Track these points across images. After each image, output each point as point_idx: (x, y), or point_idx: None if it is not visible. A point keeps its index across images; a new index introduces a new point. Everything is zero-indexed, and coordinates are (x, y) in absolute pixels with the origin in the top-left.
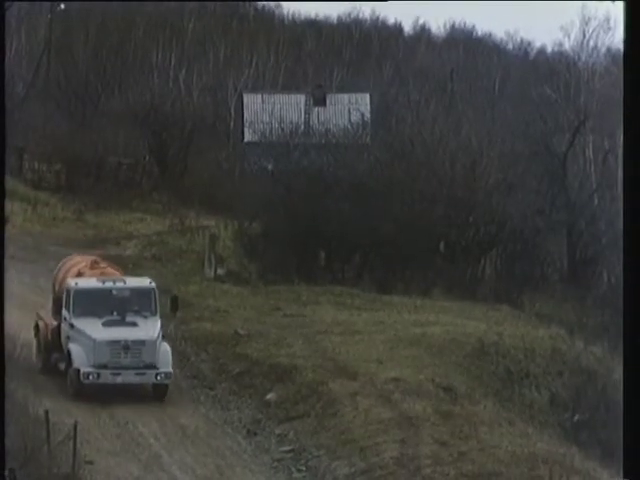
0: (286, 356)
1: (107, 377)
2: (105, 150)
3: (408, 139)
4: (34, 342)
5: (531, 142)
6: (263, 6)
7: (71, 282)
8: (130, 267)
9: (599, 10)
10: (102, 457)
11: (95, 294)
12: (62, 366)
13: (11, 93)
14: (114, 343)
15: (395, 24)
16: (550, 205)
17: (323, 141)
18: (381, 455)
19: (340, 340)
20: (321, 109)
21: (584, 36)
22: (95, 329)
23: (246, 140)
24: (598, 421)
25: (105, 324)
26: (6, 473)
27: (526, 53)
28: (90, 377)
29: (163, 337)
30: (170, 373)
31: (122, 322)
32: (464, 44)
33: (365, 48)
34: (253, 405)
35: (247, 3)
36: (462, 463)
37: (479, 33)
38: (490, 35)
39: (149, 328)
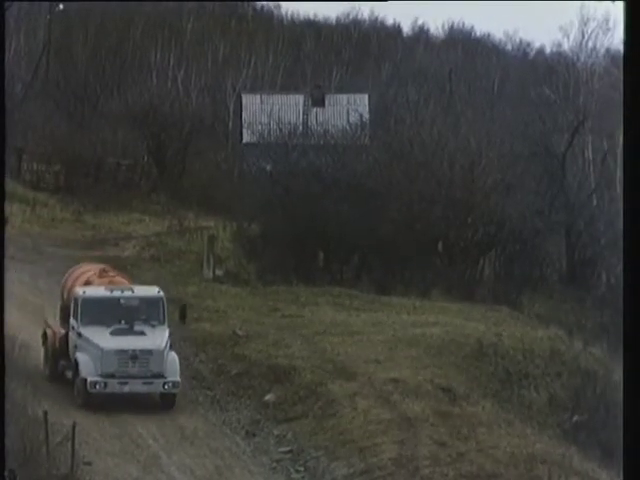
0: (285, 357)
1: (114, 386)
2: (104, 151)
3: (407, 140)
4: (42, 350)
5: (530, 143)
6: (262, 6)
7: (79, 291)
8: (128, 268)
9: (598, 10)
10: (101, 458)
11: (103, 303)
12: (69, 374)
13: (10, 93)
14: (122, 352)
15: (394, 24)
16: (549, 206)
17: (322, 142)
18: (380, 456)
19: (339, 341)
20: (320, 110)
21: (583, 36)
22: (103, 338)
23: (245, 141)
24: (597, 422)
25: (113, 333)
26: (6, 473)
27: (525, 54)
28: (97, 386)
29: (171, 346)
30: (178, 382)
31: (130, 331)
32: (463, 45)
33: (364, 48)
34: (252, 406)
35: (246, 3)
36: (461, 464)
37: (478, 34)
38: (489, 35)
39: (157, 337)
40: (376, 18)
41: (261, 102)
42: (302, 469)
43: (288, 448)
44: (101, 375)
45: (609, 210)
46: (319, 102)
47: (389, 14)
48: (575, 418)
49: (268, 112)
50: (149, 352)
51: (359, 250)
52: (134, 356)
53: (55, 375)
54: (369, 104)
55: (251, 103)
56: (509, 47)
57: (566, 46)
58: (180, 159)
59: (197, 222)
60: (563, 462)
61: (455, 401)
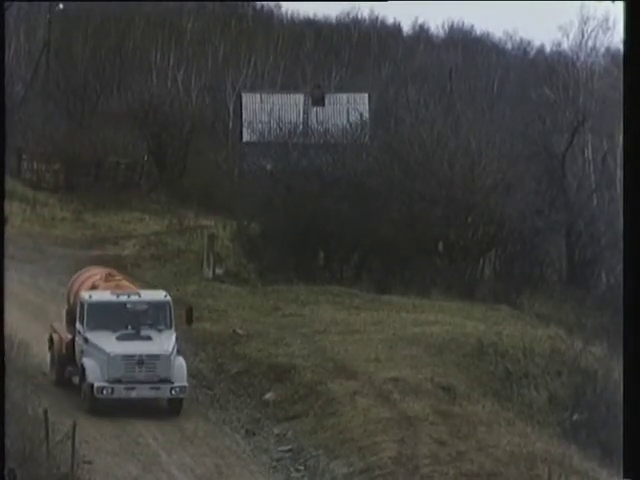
0: (285, 356)
1: (121, 392)
2: (104, 150)
3: (407, 139)
4: (48, 355)
5: (530, 142)
6: (262, 6)
7: (85, 295)
8: (129, 267)
9: (598, 10)
10: (101, 457)
11: (109, 307)
12: (76, 380)
13: (10, 93)
14: (128, 357)
15: (394, 24)
16: (549, 205)
17: (322, 141)
18: (380, 454)
19: (339, 340)
20: (320, 109)
21: (583, 36)
22: (109, 343)
23: (245, 140)
24: (597, 421)
25: (119, 338)
26: (6, 472)
27: (525, 53)
28: (104, 392)
29: (178, 351)
30: (185, 387)
31: (136, 336)
32: (463, 44)
33: (364, 48)
34: (252, 405)
35: (246, 3)
36: (461, 463)
37: (478, 33)
38: (489, 35)
39: (164, 342)
40: (376, 18)
41: (261, 101)
42: (302, 468)
43: (288, 447)
44: (108, 380)
45: (609, 210)
46: (319, 101)
47: (389, 14)
48: (575, 417)
49: (268, 111)
50: (156, 357)
51: (359, 249)
52: (141, 361)
53: (62, 380)
54: (369, 103)
55: (251, 102)
56: (509, 46)
57: (566, 45)
58: (180, 158)
59: (197, 221)
60: (563, 461)
61: (455, 400)
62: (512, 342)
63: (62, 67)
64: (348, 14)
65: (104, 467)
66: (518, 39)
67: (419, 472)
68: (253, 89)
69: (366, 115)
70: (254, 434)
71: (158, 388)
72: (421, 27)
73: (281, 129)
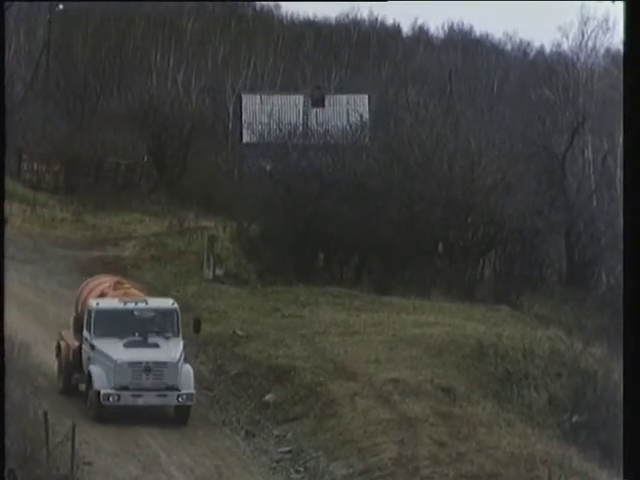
0: (285, 357)
1: (128, 399)
2: (104, 151)
3: (407, 140)
4: (55, 362)
5: (530, 143)
6: (262, 6)
7: (92, 302)
8: (128, 268)
9: (598, 10)
10: (101, 457)
11: (116, 315)
12: (82, 387)
13: (10, 93)
14: (135, 364)
15: (394, 25)
16: (549, 206)
17: (321, 142)
18: (380, 456)
19: (339, 341)
20: (319, 110)
21: (583, 36)
22: (116, 350)
23: (244, 141)
24: (597, 422)
25: (126, 345)
26: (6, 473)
27: (525, 54)
28: (110, 399)
29: (185, 359)
30: (192, 395)
31: (144, 343)
32: (463, 45)
33: (363, 49)
34: (252, 406)
35: (246, 3)
36: (461, 464)
37: (477, 34)
38: (488, 36)
39: (171, 349)
40: (376, 18)
41: (261, 102)
42: (302, 469)
43: (288, 448)
44: (114, 387)
45: (609, 210)
46: (319, 102)
47: (389, 14)
48: (575, 418)
49: (268, 112)
50: (163, 364)
51: (359, 250)
52: (148, 368)
53: (69, 388)
54: (369, 104)
55: (251, 103)
56: (509, 47)
57: (566, 46)
58: (180, 159)
59: (197, 222)
60: (563, 462)
61: (455, 401)
62: (512, 343)
63: (62, 67)
64: (348, 15)
65: (104, 467)
66: (518, 40)
67: (419, 473)
68: (253, 90)
69: (366, 116)
70: (254, 435)
71: (165, 395)
72: (421, 28)
73: (281, 130)
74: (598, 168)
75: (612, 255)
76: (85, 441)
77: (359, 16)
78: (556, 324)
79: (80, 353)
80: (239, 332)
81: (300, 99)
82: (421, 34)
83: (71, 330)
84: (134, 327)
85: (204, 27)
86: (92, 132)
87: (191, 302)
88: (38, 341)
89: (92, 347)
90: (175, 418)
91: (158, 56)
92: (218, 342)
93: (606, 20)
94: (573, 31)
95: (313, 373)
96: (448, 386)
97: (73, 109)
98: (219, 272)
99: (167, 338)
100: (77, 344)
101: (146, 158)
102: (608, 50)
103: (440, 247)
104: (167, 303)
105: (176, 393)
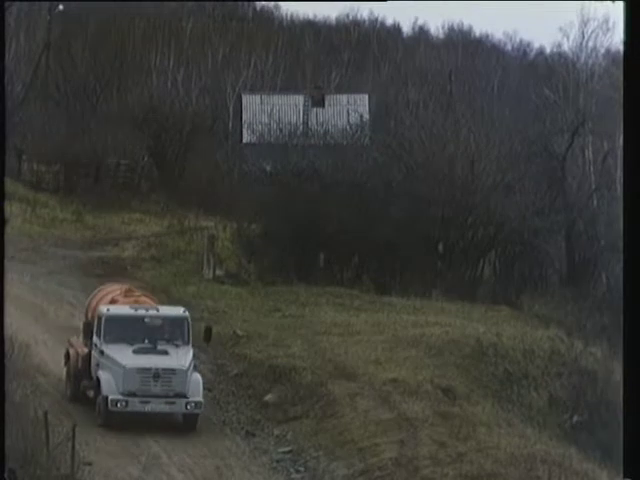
0: (285, 357)
1: (136, 405)
2: (104, 151)
3: (407, 140)
4: (64, 369)
5: (530, 143)
6: (262, 7)
7: (103, 308)
8: (129, 268)
9: (598, 11)
10: (101, 458)
11: (127, 321)
12: (91, 393)
13: (10, 94)
14: (144, 371)
15: (394, 25)
16: (549, 206)
17: (322, 142)
18: (380, 456)
19: (339, 341)
20: (320, 110)
21: (583, 37)
22: (125, 356)
23: (245, 141)
24: (597, 422)
25: (136, 351)
26: (6, 474)
27: (525, 54)
28: (118, 405)
29: (195, 367)
30: (201, 403)
31: (153, 350)
32: (463, 45)
33: (364, 49)
34: (252, 406)
35: (245, 4)
36: (461, 464)
37: (478, 34)
38: (489, 36)
39: (180, 357)
40: (376, 18)
41: (261, 102)
42: (302, 469)
43: (288, 448)
44: (123, 393)
45: (609, 210)
46: (319, 102)
47: (389, 14)
48: (575, 418)
49: (268, 112)
50: (172, 371)
51: (359, 250)
52: (157, 375)
53: (77, 395)
54: (369, 104)
55: (251, 103)
56: (509, 48)
57: (566, 46)
58: (180, 159)
59: (197, 222)
60: (563, 462)
61: (455, 401)
62: (512, 343)
63: (62, 68)
64: (348, 15)
65: (104, 467)
66: (518, 40)
67: (419, 473)
68: (253, 90)
69: (366, 116)
70: (254, 435)
71: (173, 403)
72: (421, 28)
73: (281, 130)
74: (598, 168)
75: (612, 255)
76: (85, 441)
77: (359, 16)
78: (556, 324)
79: (89, 359)
80: (239, 332)
81: (300, 99)
82: (421, 34)
83: (80, 337)
84: (144, 334)
85: (204, 27)
86: (92, 132)
87: (191, 302)
88: (38, 341)
89: (101, 353)
90: (183, 426)
91: (158, 56)
92: (218, 342)
93: (606, 20)
94: (573, 31)
95: (313, 373)
96: (448, 386)
97: (73, 109)
98: (219, 272)
99: (177, 346)
100: (86, 351)
101: (146, 158)
102: (608, 50)
103: (440, 247)
104: (178, 311)
105: (184, 401)
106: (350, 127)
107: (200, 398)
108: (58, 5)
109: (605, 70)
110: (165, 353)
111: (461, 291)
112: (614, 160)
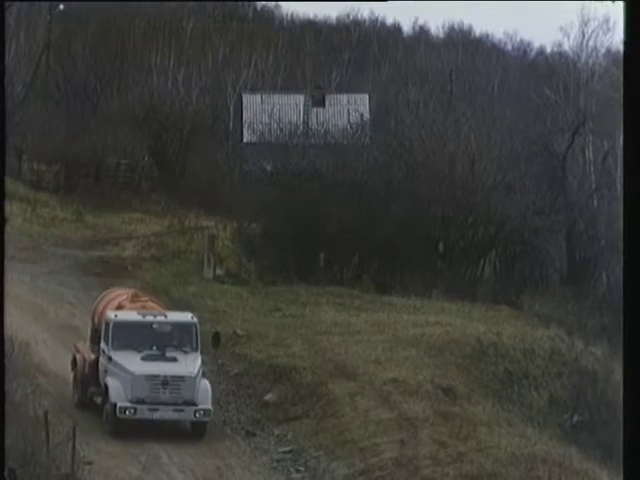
0: (285, 357)
1: (144, 412)
2: (104, 151)
3: (407, 140)
4: (71, 375)
5: (530, 143)
6: (262, 6)
7: (111, 314)
8: (129, 268)
9: (598, 10)
10: (101, 457)
11: (135, 327)
12: (98, 400)
13: (10, 93)
14: (153, 378)
15: (394, 25)
16: (549, 206)
17: (322, 142)
18: (380, 456)
19: (339, 341)
20: (320, 110)
21: (583, 37)
22: (133, 363)
23: (245, 141)
24: (597, 422)
25: (144, 358)
26: (6, 473)
27: (525, 54)
28: (127, 412)
29: (203, 374)
30: (210, 410)
31: (162, 357)
32: (463, 45)
33: (364, 49)
34: (252, 406)
35: (246, 3)
36: (461, 463)
37: (478, 34)
38: (489, 36)
39: (189, 364)
40: (376, 18)
41: (261, 102)
42: (302, 469)
43: (288, 448)
44: (131, 401)
45: (609, 210)
46: (319, 102)
47: (389, 14)
48: (575, 418)
49: (268, 112)
50: (181, 378)
51: (359, 250)
52: (165, 382)
53: (84, 401)
54: (369, 104)
55: (251, 103)
56: (509, 47)
57: (566, 46)
58: (180, 159)
59: (197, 222)
60: (563, 462)
61: (455, 401)
62: (512, 343)
63: (62, 68)
64: (348, 15)
65: (104, 467)
66: (518, 40)
67: (419, 473)
68: (253, 90)
69: (366, 116)
70: (254, 435)
71: (182, 410)
72: (421, 28)
73: (281, 130)
74: (598, 168)
75: (612, 255)
76: (86, 441)
77: (359, 16)
78: (556, 324)
79: (96, 365)
80: (239, 331)
81: (301, 99)
82: (421, 34)
83: (87, 342)
84: (152, 340)
85: (204, 27)
86: (92, 132)
87: (191, 302)
88: (38, 340)
89: (109, 359)
90: (192, 433)
91: (158, 56)
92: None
93: (606, 20)
94: (574, 31)
95: (313, 373)
96: (448, 386)
97: (73, 109)
98: (219, 272)
99: (185, 352)
100: (93, 356)
101: (146, 158)
102: (609, 50)
103: (440, 247)
104: (186, 317)
105: (193, 408)
106: (350, 127)
107: (209, 406)
108: (58, 5)
109: (605, 70)
110: (174, 360)
111: (461, 291)
112: (614, 160)
